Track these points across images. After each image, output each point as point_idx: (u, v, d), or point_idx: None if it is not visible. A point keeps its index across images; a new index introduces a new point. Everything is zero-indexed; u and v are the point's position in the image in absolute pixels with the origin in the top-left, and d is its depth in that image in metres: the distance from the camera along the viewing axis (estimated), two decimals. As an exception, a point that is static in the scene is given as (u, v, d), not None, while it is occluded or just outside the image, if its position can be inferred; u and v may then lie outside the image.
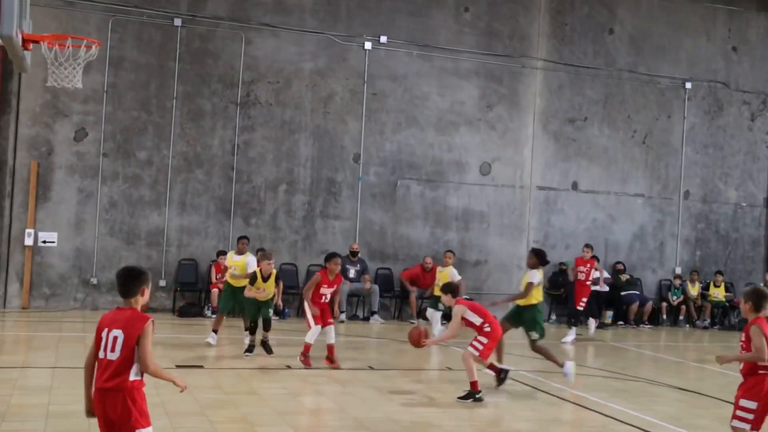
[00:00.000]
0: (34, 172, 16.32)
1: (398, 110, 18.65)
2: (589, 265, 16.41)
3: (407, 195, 18.67)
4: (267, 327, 12.08)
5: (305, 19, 18.01)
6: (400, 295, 18.26)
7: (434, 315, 15.03)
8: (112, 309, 4.91)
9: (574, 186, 19.91)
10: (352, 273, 17.60)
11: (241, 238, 13.82)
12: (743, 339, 6.42)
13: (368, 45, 18.33)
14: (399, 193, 18.61)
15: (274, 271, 12.12)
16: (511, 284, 19.21)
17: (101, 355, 4.75)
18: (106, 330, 4.76)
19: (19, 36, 8.39)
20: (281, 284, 12.37)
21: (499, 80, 19.35)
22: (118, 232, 16.86)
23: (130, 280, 4.90)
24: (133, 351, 4.71)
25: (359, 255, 17.92)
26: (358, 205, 18.25)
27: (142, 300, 4.90)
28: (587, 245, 17.01)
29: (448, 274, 14.81)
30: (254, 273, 12.04)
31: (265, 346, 11.96)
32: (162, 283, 16.96)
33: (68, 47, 9.72)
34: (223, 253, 16.89)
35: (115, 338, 4.71)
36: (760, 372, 6.28)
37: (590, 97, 20.05)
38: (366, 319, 17.78)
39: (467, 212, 19.07)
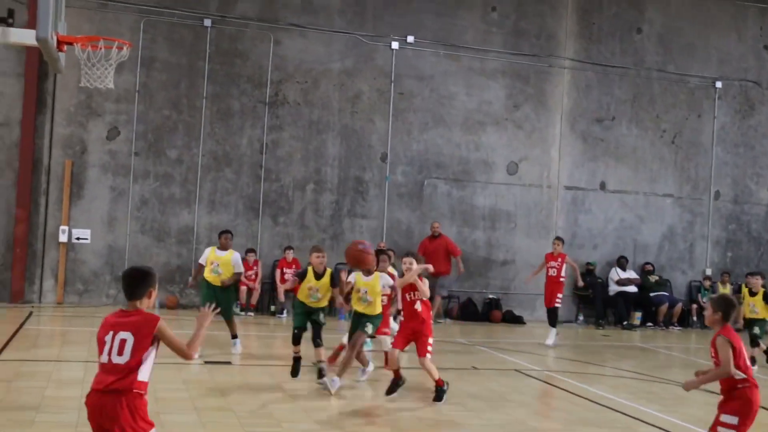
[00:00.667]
0: (68, 171, 16.59)
1: (425, 110, 18.71)
2: (560, 260, 14.99)
3: (434, 194, 18.73)
4: (318, 340, 9.75)
5: (333, 19, 18.13)
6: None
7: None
8: (114, 312, 4.74)
9: (602, 186, 19.85)
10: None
11: (223, 232, 12.32)
12: (713, 354, 5.95)
13: (395, 45, 18.41)
14: (426, 192, 18.67)
15: (330, 270, 10.09)
16: (538, 284, 19.10)
17: (104, 359, 4.57)
18: (111, 333, 4.58)
19: (54, 38, 8.57)
20: (343, 285, 10.51)
21: (526, 80, 19.35)
22: (149, 229, 17.08)
23: (137, 282, 4.73)
24: (144, 353, 4.58)
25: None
26: (385, 204, 18.34)
27: (148, 302, 4.75)
28: (558, 238, 15.66)
29: (378, 282, 11.74)
30: (304, 270, 10.05)
31: (319, 370, 9.70)
32: (191, 281, 17.10)
33: (101, 48, 9.86)
34: (252, 251, 17.08)
35: (123, 341, 4.55)
36: (739, 386, 5.83)
37: (618, 96, 19.98)
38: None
39: (494, 212, 19.09)
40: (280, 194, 17.81)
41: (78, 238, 16.68)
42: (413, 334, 9.16)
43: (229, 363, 11.01)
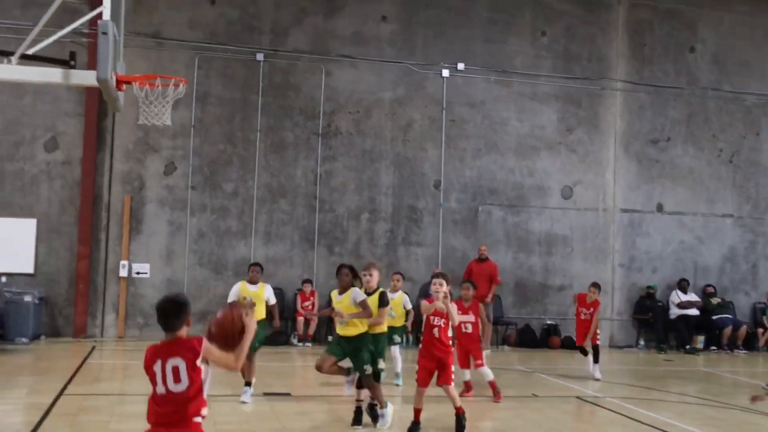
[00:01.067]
0: (127, 206, 16.90)
1: (477, 136, 18.68)
2: (593, 309, 13.49)
3: (489, 220, 18.64)
4: (376, 376, 8.86)
5: (383, 48, 18.26)
6: (493, 321, 18.14)
7: (394, 351, 11.90)
8: (154, 343, 4.67)
9: (659, 208, 19.56)
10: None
11: (253, 265, 11.50)
12: None
13: (446, 72, 18.46)
14: (480, 218, 18.60)
15: (381, 290, 9.26)
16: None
17: (160, 390, 4.52)
18: (159, 362, 4.54)
19: (114, 78, 8.78)
20: (411, 312, 11.70)
21: (578, 103, 19.22)
22: (207, 262, 17.27)
23: (174, 315, 4.63)
24: (202, 376, 4.53)
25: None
26: (439, 231, 18.30)
27: (186, 330, 4.67)
28: (594, 284, 13.89)
29: (400, 301, 11.95)
30: (383, 293, 9.21)
31: (371, 408, 9.02)
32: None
33: (158, 86, 10.06)
34: (309, 282, 17.15)
35: (176, 368, 4.51)
36: None
37: (673, 117, 19.73)
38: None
39: (550, 237, 18.92)
40: (334, 224, 17.89)
41: (138, 273, 16.94)
42: (436, 364, 8.56)
43: (288, 394, 11.02)
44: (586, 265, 19.00)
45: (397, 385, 11.57)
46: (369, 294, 8.96)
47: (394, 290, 11.97)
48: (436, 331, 8.54)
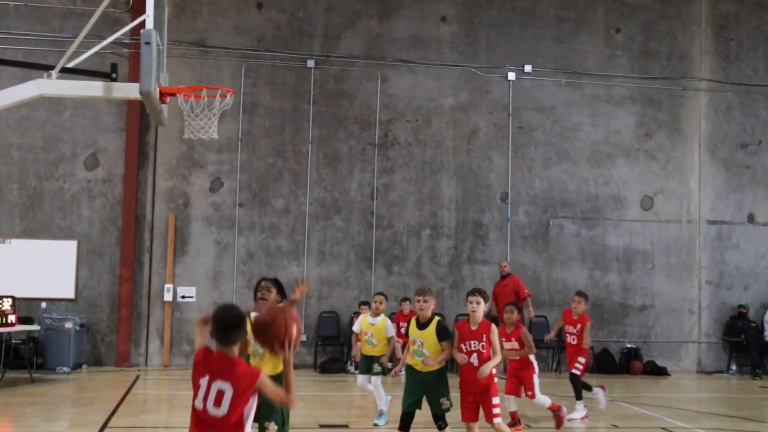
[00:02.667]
0: (171, 226, 17.16)
1: (547, 144, 18.57)
2: (580, 326, 12.52)
3: (561, 235, 18.49)
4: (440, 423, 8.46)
5: (443, 52, 18.29)
6: (557, 345, 17.98)
7: (367, 385, 11.30)
8: (206, 350, 4.64)
9: (750, 218, 19.19)
10: None
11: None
12: None
13: (512, 75, 18.41)
14: (552, 233, 18.46)
15: (437, 318, 8.49)
16: (681, 330, 18.65)
17: (198, 404, 4.52)
18: (207, 378, 4.53)
19: (157, 90, 8.94)
20: (393, 340, 10.83)
21: (658, 105, 18.99)
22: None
23: (236, 328, 4.60)
24: (246, 407, 4.52)
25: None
26: (507, 248, 18.21)
27: (240, 344, 4.67)
28: (579, 294, 12.95)
29: (383, 327, 11.13)
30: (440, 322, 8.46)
31: None
32: (303, 337, 17.37)
33: (203, 97, 10.20)
34: (366, 304, 17.16)
35: (221, 392, 4.48)
36: None
37: (764, 118, 19.37)
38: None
39: (629, 252, 18.69)
40: (393, 241, 17.92)
41: (183, 297, 17.16)
42: (476, 397, 8.25)
43: (346, 426, 11.03)
44: (669, 283, 18.72)
45: (376, 425, 10.77)
46: (424, 324, 8.33)
47: (376, 314, 11.09)
48: (475, 357, 8.18)
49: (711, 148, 19.15)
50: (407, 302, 16.99)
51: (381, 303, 11.05)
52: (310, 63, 17.79)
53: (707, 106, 19.18)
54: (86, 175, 17.05)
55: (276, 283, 7.81)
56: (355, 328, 11.41)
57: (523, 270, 18.08)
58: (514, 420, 10.81)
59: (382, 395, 11.08)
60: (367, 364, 11.12)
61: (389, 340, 11.00)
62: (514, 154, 18.40)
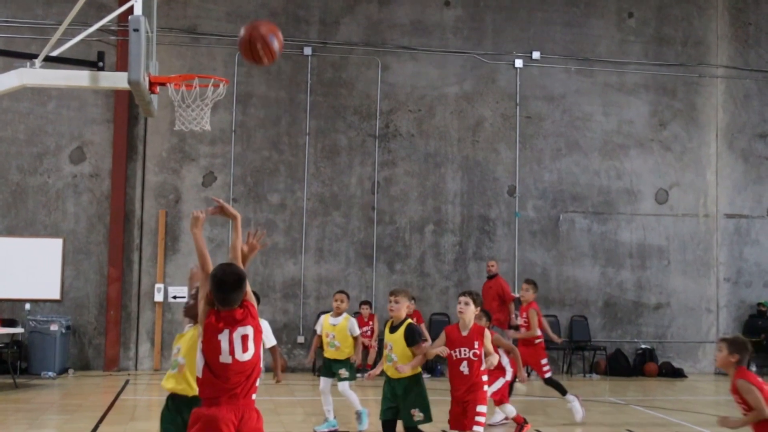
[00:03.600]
0: (162, 222, 17.10)
1: (557, 134, 18.52)
2: (525, 314, 12.20)
3: (572, 230, 18.44)
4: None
5: (447, 38, 18.22)
6: (568, 346, 17.96)
7: (328, 391, 10.97)
8: (214, 313, 4.96)
9: (771, 212, 19.18)
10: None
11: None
12: (738, 400, 6.48)
13: (519, 63, 18.35)
14: (562, 228, 18.41)
15: (408, 321, 8.30)
16: (699, 330, 18.61)
17: (226, 359, 4.86)
18: (227, 332, 4.87)
19: (146, 80, 8.87)
20: (359, 339, 10.75)
21: (672, 93, 18.94)
22: (252, 284, 17.09)
23: (238, 288, 4.94)
24: (261, 338, 5.02)
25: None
26: (515, 244, 18.16)
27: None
28: (527, 281, 12.69)
29: (345, 327, 10.86)
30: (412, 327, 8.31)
31: None
32: (300, 339, 17.35)
33: (195, 87, 10.15)
34: (367, 303, 17.13)
35: (245, 336, 4.90)
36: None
37: (785, 106, 19.34)
38: (528, 374, 17.51)
39: (643, 248, 18.64)
40: (395, 238, 17.87)
41: (175, 297, 17.10)
42: (465, 405, 8.01)
43: (347, 433, 10.99)
44: (685, 280, 18.68)
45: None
46: (395, 327, 8.22)
47: (338, 313, 10.84)
48: (465, 365, 7.99)
49: (728, 138, 19.09)
50: (412, 301, 16.89)
51: (342, 302, 10.84)
52: (307, 50, 17.73)
53: (724, 94, 19.12)
54: (72, 170, 16.98)
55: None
56: (317, 328, 11.18)
57: (531, 267, 18.02)
58: (519, 423, 10.73)
59: (354, 398, 10.82)
60: (330, 368, 10.74)
61: (355, 339, 10.76)
62: (521, 146, 18.34)
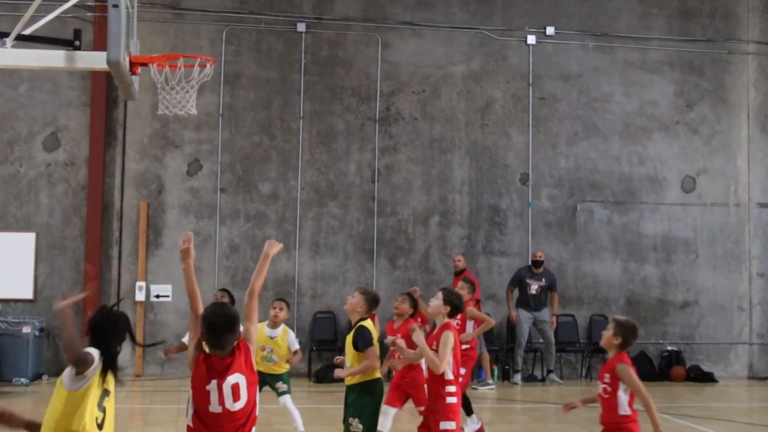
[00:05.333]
0: (143, 215, 17.13)
1: (573, 117, 18.53)
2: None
3: (590, 222, 18.47)
4: None
5: (453, 13, 18.23)
6: (587, 348, 17.98)
7: (285, 403, 10.90)
8: (204, 357, 5.09)
9: (808, 200, 19.20)
10: (533, 289, 17.34)
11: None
12: (607, 380, 6.97)
13: (531, 39, 18.36)
14: (580, 219, 18.44)
15: (359, 324, 8.33)
16: (730, 330, 18.63)
17: (216, 409, 4.97)
18: (215, 382, 4.98)
19: (126, 60, 8.88)
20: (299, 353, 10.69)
21: (699, 72, 18.95)
22: (241, 281, 17.38)
23: (231, 331, 5.07)
24: (256, 386, 5.14)
25: (544, 265, 17.59)
26: (528, 237, 18.19)
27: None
28: (464, 279, 12.55)
29: (285, 339, 10.73)
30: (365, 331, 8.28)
31: None
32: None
33: (180, 67, 10.15)
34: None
35: (236, 385, 4.99)
36: (624, 421, 6.96)
37: (822, 85, 19.35)
38: (543, 379, 17.58)
39: (668, 240, 18.67)
40: (398, 231, 17.90)
41: (157, 296, 17.15)
42: (428, 417, 7.89)
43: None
44: (715, 275, 18.70)
45: None
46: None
47: (275, 324, 10.65)
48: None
49: (761, 120, 19.11)
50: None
51: (281, 310, 10.66)
52: (301, 27, 17.73)
53: (756, 72, 19.13)
54: (45, 158, 17.00)
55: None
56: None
57: (546, 262, 17.99)
58: None
59: (297, 416, 10.69)
60: (265, 382, 10.25)
61: (295, 354, 10.61)
62: (535, 130, 18.35)
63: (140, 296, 17.00)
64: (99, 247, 16.89)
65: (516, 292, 17.50)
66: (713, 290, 18.64)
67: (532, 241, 18.17)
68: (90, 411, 5.07)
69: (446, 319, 7.86)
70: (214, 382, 4.95)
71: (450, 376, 7.64)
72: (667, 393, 16.47)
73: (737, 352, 18.71)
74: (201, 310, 5.24)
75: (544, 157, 18.39)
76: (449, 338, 7.63)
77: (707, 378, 17.94)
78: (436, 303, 7.93)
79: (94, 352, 5.17)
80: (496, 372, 17.06)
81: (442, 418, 7.59)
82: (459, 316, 9.59)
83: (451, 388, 7.65)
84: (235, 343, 5.07)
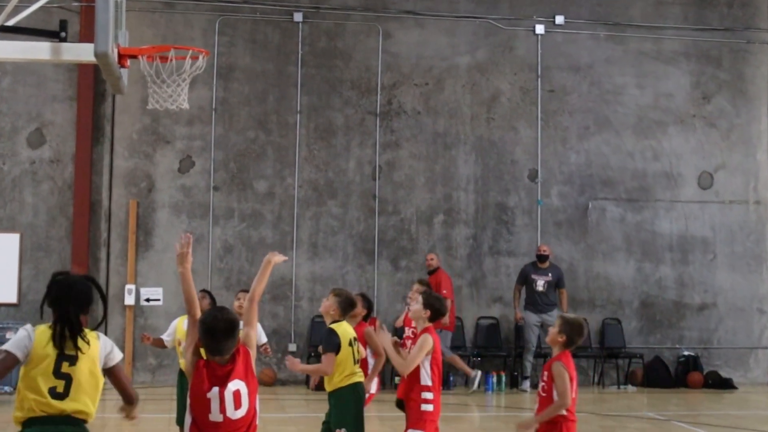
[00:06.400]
0: (133, 214, 17.14)
1: (584, 110, 18.54)
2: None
3: (602, 220, 18.48)
4: None
5: (458, 1, 18.25)
6: (599, 353, 17.98)
7: None
8: (204, 364, 5.14)
9: (832, 197, 19.20)
10: (540, 285, 17.35)
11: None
12: (545, 378, 7.12)
13: (540, 28, 18.37)
14: (591, 218, 18.44)
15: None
16: (750, 334, 18.63)
17: (217, 417, 5.05)
18: (216, 389, 5.04)
19: (115, 52, 8.89)
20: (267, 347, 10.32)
21: (717, 62, 18.96)
22: (236, 284, 17.38)
23: (231, 336, 5.15)
24: (256, 393, 5.22)
25: (550, 259, 17.63)
26: (537, 236, 18.20)
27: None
28: (420, 281, 12.66)
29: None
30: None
31: None
32: (292, 347, 17.39)
33: (171, 59, 10.16)
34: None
35: (238, 392, 5.07)
36: (561, 420, 7.03)
37: None
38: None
39: (684, 240, 18.67)
40: (400, 230, 17.91)
41: (148, 299, 17.16)
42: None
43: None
44: (734, 277, 18.70)
45: None
46: None
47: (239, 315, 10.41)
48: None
49: (782, 113, 19.14)
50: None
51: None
52: (298, 16, 17.75)
53: (777, 63, 19.17)
54: (30, 155, 17.02)
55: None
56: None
57: (557, 263, 18.01)
58: None
59: None
60: None
61: (262, 349, 10.40)
62: (544, 124, 18.37)
63: (130, 300, 17.01)
64: (86, 249, 16.90)
65: (524, 292, 17.48)
66: (732, 292, 18.63)
67: (541, 240, 18.15)
68: (42, 381, 5.06)
69: (427, 324, 7.81)
70: (215, 389, 5.00)
71: (428, 382, 7.62)
72: (683, 400, 16.49)
73: (757, 357, 18.70)
74: (199, 315, 5.27)
75: (553, 153, 18.40)
76: (426, 341, 7.63)
77: (726, 385, 17.92)
78: (416, 307, 7.93)
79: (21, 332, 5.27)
80: (479, 377, 16.75)
81: (412, 424, 7.64)
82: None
83: (428, 395, 7.62)
84: (235, 348, 5.13)
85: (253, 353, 5.24)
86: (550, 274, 17.37)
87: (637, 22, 18.73)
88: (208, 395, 5.01)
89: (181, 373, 9.91)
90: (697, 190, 18.79)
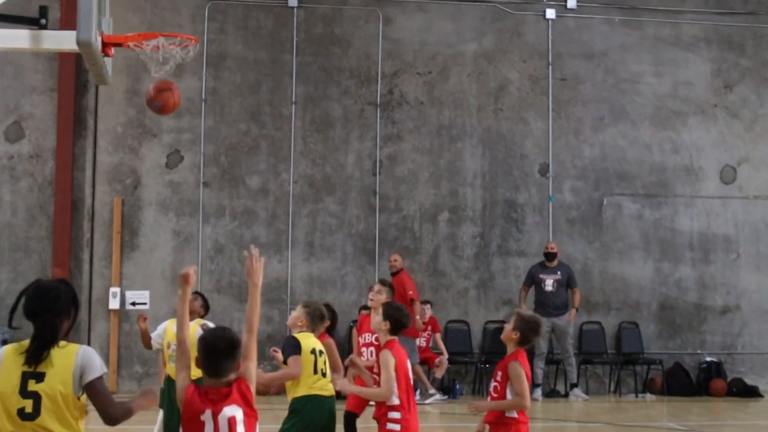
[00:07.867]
0: (117, 213, 17.16)
1: (599, 100, 18.56)
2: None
3: (618, 217, 18.49)
4: None
5: (463, -17, 18.28)
6: (616, 360, 18.00)
7: None
8: (194, 388, 5.10)
9: None
10: (549, 285, 17.35)
11: (193, 293, 10.36)
12: (499, 378, 7.20)
13: (551, 13, 18.39)
14: (607, 215, 18.46)
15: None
16: (775, 338, 18.66)
17: None
18: (209, 412, 5.00)
19: (99, 40, 8.92)
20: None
21: (739, 49, 18.98)
22: (227, 286, 17.44)
23: (230, 356, 5.10)
24: (255, 423, 5.13)
25: (559, 257, 17.68)
26: (549, 234, 18.21)
27: (234, 374, 5.14)
28: (382, 281, 10.94)
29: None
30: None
31: None
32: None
33: (158, 48, 10.19)
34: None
35: (233, 419, 5.00)
36: (510, 421, 7.09)
37: None
38: (566, 395, 17.59)
39: (705, 237, 18.69)
40: (402, 229, 17.93)
41: (133, 303, 17.16)
42: None
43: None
44: (759, 277, 18.71)
45: None
46: None
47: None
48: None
49: (809, 102, 19.16)
50: (428, 305, 16.84)
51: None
52: (293, 1, 17.77)
53: (804, 49, 19.19)
54: (8, 149, 17.05)
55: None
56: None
57: (570, 263, 18.03)
58: None
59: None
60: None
61: None
62: (555, 115, 18.39)
63: (114, 304, 17.02)
64: (68, 250, 16.92)
65: (532, 295, 17.48)
66: (757, 293, 18.63)
67: (553, 239, 18.18)
68: (10, 403, 5.02)
69: (388, 336, 7.68)
70: (208, 411, 4.98)
71: (395, 401, 7.45)
72: (705, 409, 16.50)
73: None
74: (188, 339, 5.29)
75: (565, 146, 18.41)
76: (387, 359, 7.49)
77: (751, 392, 17.90)
78: (377, 319, 7.86)
79: None
80: (436, 397, 16.48)
81: None
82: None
83: (394, 414, 7.46)
84: (233, 376, 5.11)
85: (253, 388, 5.20)
86: (559, 273, 17.38)
87: (654, 6, 18.75)
88: (202, 417, 4.98)
89: (169, 378, 9.79)
90: (719, 185, 18.80)
